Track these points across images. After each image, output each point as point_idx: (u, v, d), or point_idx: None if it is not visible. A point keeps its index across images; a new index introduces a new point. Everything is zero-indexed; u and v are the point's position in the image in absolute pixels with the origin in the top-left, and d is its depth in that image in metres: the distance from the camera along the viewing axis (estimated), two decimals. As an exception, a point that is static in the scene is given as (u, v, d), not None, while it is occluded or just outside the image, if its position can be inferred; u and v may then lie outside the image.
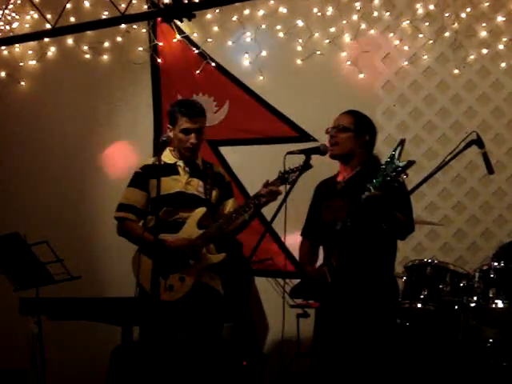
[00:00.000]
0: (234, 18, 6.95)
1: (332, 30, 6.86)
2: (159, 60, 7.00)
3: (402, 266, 5.52)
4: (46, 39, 7.04)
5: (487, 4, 6.75)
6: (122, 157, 6.89)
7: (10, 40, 6.90)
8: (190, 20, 6.26)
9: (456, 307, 5.15)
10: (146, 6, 6.86)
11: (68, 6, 6.67)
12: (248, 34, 6.94)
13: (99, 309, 5.12)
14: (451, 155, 4.88)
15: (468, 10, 6.74)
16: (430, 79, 6.83)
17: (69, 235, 6.81)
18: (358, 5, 6.84)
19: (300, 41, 6.87)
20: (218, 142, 6.88)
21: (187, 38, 6.97)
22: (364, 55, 6.80)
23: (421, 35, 6.80)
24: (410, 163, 4.26)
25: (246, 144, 6.93)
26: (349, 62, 6.84)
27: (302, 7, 6.89)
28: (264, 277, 6.50)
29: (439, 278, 5.21)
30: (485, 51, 6.75)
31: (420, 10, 6.80)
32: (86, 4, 7.06)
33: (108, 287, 6.69)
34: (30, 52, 7.15)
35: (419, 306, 5.18)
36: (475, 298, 5.09)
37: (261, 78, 6.94)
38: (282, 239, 4.87)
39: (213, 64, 6.95)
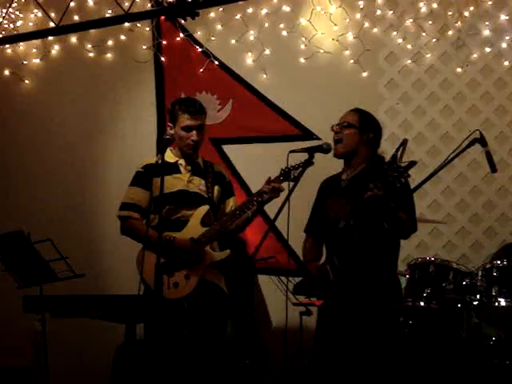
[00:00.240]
0: (238, 17, 6.95)
1: (335, 28, 6.86)
2: (163, 58, 7.00)
3: (405, 264, 5.53)
4: (50, 37, 7.04)
5: (490, 3, 6.75)
6: (126, 155, 6.89)
7: (13, 38, 6.92)
8: (193, 18, 6.29)
9: (459, 305, 5.14)
10: (149, 5, 6.86)
11: (72, 4, 6.70)
12: (251, 32, 6.94)
13: (103, 306, 5.15)
14: (454, 153, 4.87)
15: (471, 8, 6.74)
16: (433, 78, 6.83)
17: (72, 233, 6.82)
18: (361, 3, 6.84)
19: (303, 39, 6.88)
20: (221, 140, 6.89)
21: (191, 36, 6.97)
22: (367, 54, 6.80)
23: (424, 34, 6.80)
24: (412, 164, 4.26)
25: (250, 142, 6.93)
26: (352, 61, 6.85)
27: (305, 6, 6.89)
28: (267, 275, 6.52)
29: (442, 277, 5.20)
30: (488, 50, 6.75)
31: (423, 8, 6.80)
32: (90, 2, 7.06)
33: (111, 285, 6.69)
34: (34, 50, 7.15)
35: (422, 304, 5.17)
36: (478, 297, 5.09)
37: (264, 76, 6.95)
38: (285, 237, 4.86)
39: (216, 62, 6.95)
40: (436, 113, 6.81)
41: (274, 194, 4.83)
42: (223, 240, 5.00)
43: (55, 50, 7.15)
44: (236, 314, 5.95)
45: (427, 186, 5.71)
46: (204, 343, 4.79)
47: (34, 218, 6.78)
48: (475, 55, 6.76)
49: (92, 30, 7.01)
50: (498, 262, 5.16)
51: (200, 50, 6.97)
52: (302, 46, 6.89)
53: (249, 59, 6.97)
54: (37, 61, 7.16)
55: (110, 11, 6.89)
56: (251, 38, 6.95)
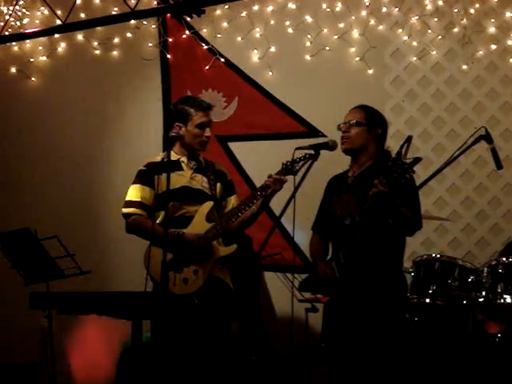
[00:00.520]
0: (243, 14, 6.96)
1: (341, 25, 6.87)
2: (169, 56, 7.02)
3: (411, 260, 5.53)
4: (57, 35, 7.06)
5: (496, 0, 6.75)
6: (133, 152, 6.90)
7: (20, 36, 6.93)
8: (199, 16, 6.29)
9: (464, 302, 5.16)
10: (155, 2, 6.88)
11: (78, 2, 6.70)
12: (257, 29, 6.95)
13: (109, 303, 5.15)
14: (460, 151, 4.88)
15: (477, 5, 6.74)
16: (439, 75, 6.83)
17: (79, 230, 6.83)
18: (366, 0, 6.84)
19: (309, 36, 6.89)
20: (227, 137, 6.90)
21: (196, 33, 6.99)
22: (373, 51, 6.81)
23: (430, 31, 6.80)
24: (417, 160, 4.27)
25: (255, 139, 6.94)
26: (357, 58, 6.85)
27: (310, 3, 6.90)
28: (273, 271, 6.53)
29: (448, 273, 5.21)
30: (493, 47, 6.75)
31: (429, 5, 6.80)
32: (96, 0, 7.08)
33: (118, 281, 6.70)
34: (41, 48, 7.16)
35: (428, 301, 5.19)
36: (484, 293, 5.10)
37: (270, 73, 6.96)
38: (291, 234, 4.87)
39: (222, 60, 6.97)
40: (442, 110, 6.81)
41: (276, 186, 4.82)
42: (229, 236, 5.01)
43: (62, 47, 7.17)
44: (242, 310, 5.97)
45: (433, 183, 5.73)
46: (210, 338, 4.80)
47: (40, 215, 6.80)
48: (481, 52, 6.76)
49: (98, 28, 7.03)
50: (504, 258, 5.18)
51: (206, 47, 6.98)
52: (308, 44, 6.90)
53: (254, 56, 6.98)
54: (43, 58, 7.18)
55: (116, 9, 6.91)
56: (257, 35, 6.96)
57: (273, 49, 6.93)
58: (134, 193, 4.99)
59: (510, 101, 6.74)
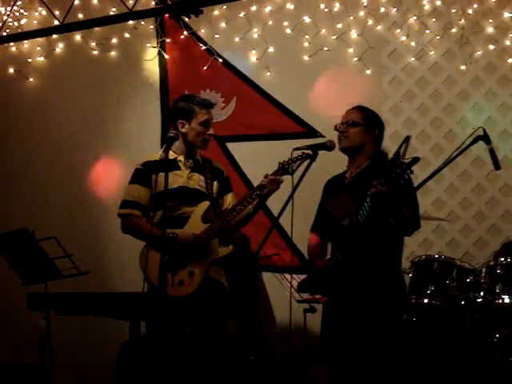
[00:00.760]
0: (241, 15, 6.96)
1: (339, 26, 6.86)
2: (167, 56, 7.02)
3: (409, 261, 5.53)
4: (54, 36, 7.07)
5: (494, 0, 6.74)
6: (131, 152, 6.89)
7: (18, 36, 6.93)
8: (197, 16, 6.29)
9: (463, 303, 5.15)
10: (153, 3, 6.87)
11: (76, 2, 6.71)
12: (255, 30, 6.95)
13: (107, 304, 5.17)
14: (458, 151, 4.88)
15: (475, 6, 6.73)
16: (437, 75, 6.83)
17: (77, 231, 6.84)
18: (364, 1, 6.84)
19: (307, 37, 6.88)
20: (225, 137, 6.89)
21: (194, 34, 6.99)
22: (371, 51, 6.80)
23: (428, 31, 6.79)
24: (415, 160, 4.27)
25: (253, 140, 6.94)
26: (356, 58, 6.85)
27: (308, 3, 6.90)
28: (271, 272, 6.53)
29: (446, 274, 5.21)
30: (491, 47, 6.74)
31: (427, 6, 6.80)
32: (94, 0, 7.09)
33: (116, 282, 6.71)
34: (38, 48, 7.18)
35: (426, 301, 5.18)
36: (482, 294, 5.09)
37: (268, 74, 6.96)
38: (289, 235, 4.87)
39: (220, 60, 6.97)
40: (440, 110, 6.81)
41: (273, 187, 4.82)
42: (224, 236, 5.00)
43: (59, 47, 7.18)
44: (240, 311, 5.97)
45: (431, 183, 5.72)
46: (207, 339, 4.79)
47: (38, 215, 6.80)
48: (479, 52, 6.75)
49: (96, 28, 7.04)
50: (502, 259, 5.17)
51: (204, 47, 6.99)
52: (306, 44, 6.90)
53: (252, 57, 6.98)
54: (41, 59, 7.19)
55: (114, 9, 6.92)
56: (255, 35, 6.96)
57: (271, 49, 6.93)
58: (130, 192, 4.98)
59: (507, 101, 6.73)
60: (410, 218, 4.61)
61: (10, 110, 7.16)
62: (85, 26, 6.81)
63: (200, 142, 4.97)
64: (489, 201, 6.72)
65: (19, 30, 7.03)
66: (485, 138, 4.88)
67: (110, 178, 6.97)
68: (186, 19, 6.80)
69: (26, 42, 7.11)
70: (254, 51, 6.97)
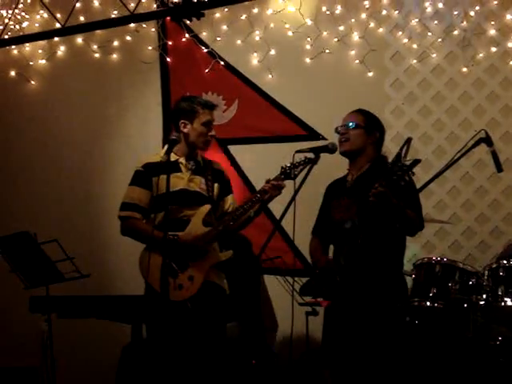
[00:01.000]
0: (243, 17, 6.97)
1: (341, 28, 6.86)
2: (168, 59, 7.03)
3: (411, 264, 5.52)
4: (56, 38, 7.08)
5: (496, 2, 6.73)
6: (132, 155, 6.89)
7: (20, 39, 6.94)
8: (198, 19, 6.30)
9: (465, 305, 5.14)
10: (155, 5, 6.88)
11: (78, 5, 6.73)
12: (257, 32, 6.95)
13: (109, 307, 5.16)
14: (460, 153, 4.87)
15: (477, 8, 6.73)
16: (439, 77, 6.82)
17: (79, 234, 6.84)
18: (366, 3, 6.84)
19: (309, 39, 6.88)
20: (227, 140, 6.89)
21: (196, 36, 6.99)
22: (373, 53, 6.80)
23: (429, 33, 6.80)
24: (416, 162, 4.27)
25: (256, 143, 6.94)
26: (357, 61, 6.84)
27: (310, 6, 6.90)
28: (273, 275, 6.51)
29: (448, 276, 5.19)
30: (494, 49, 6.74)
31: (429, 8, 6.79)
32: (96, 3, 7.09)
33: (118, 285, 6.71)
34: (40, 51, 7.18)
35: (428, 304, 5.17)
36: (484, 296, 5.08)
37: (270, 76, 6.96)
38: (291, 237, 4.86)
39: (222, 63, 6.97)
40: (442, 112, 6.80)
41: (274, 192, 4.80)
42: (223, 239, 4.99)
43: (61, 50, 7.19)
44: (242, 314, 5.96)
45: (433, 186, 5.71)
46: (207, 343, 4.78)
47: (40, 218, 6.80)
48: (481, 55, 6.75)
49: (98, 31, 7.04)
50: (505, 261, 5.15)
51: (205, 50, 6.99)
52: (308, 47, 6.90)
53: (254, 59, 6.98)
54: (43, 62, 7.19)
55: (115, 12, 6.92)
56: (257, 38, 6.96)
57: (273, 52, 6.93)
58: (130, 195, 4.94)
59: (510, 103, 6.73)
60: (414, 218, 4.62)
61: (11, 113, 7.16)
62: (86, 28, 6.82)
63: (202, 143, 4.95)
64: (491, 203, 6.71)
65: (21, 33, 7.03)
66: (487, 140, 4.87)
67: (112, 180, 6.97)
68: (188, 22, 6.79)
69: (27, 44, 7.11)
70: (255, 54, 6.97)
